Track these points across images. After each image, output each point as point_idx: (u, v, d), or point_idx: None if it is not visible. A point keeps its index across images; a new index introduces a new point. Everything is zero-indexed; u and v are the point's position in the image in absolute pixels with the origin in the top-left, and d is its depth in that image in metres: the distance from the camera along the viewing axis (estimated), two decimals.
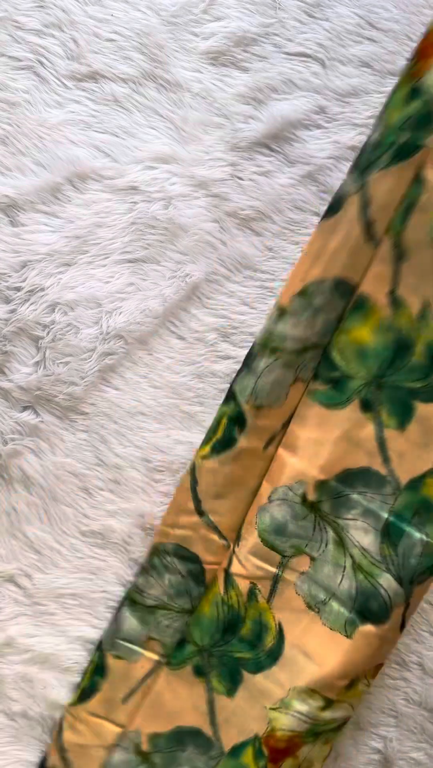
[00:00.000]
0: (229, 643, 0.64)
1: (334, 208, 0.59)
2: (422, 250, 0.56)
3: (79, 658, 0.68)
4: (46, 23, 0.67)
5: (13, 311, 0.66)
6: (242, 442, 0.62)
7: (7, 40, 0.67)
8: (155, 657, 0.66)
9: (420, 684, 0.69)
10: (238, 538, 0.63)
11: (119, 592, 0.68)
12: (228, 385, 0.67)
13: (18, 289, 0.66)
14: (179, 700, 0.64)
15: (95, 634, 0.68)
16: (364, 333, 0.58)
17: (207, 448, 0.64)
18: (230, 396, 0.63)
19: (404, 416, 0.58)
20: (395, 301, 0.57)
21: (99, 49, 0.67)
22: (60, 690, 0.67)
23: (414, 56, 0.57)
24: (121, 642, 0.66)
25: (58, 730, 0.66)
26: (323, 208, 0.69)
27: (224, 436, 0.62)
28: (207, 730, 0.64)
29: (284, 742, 0.61)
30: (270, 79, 0.68)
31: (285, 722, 0.61)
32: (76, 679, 0.68)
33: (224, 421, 0.63)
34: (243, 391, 0.61)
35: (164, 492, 0.68)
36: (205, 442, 0.64)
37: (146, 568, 0.66)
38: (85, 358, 0.66)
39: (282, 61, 0.69)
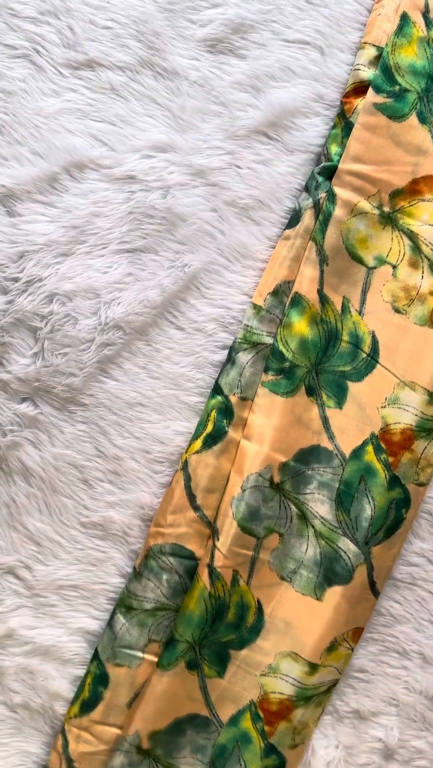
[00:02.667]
0: (217, 631, 0.66)
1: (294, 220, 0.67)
2: (338, 255, 0.65)
3: (80, 649, 0.68)
4: (41, 11, 0.66)
5: (10, 302, 0.66)
6: (231, 433, 0.66)
7: (2, 28, 0.66)
8: (156, 659, 0.66)
9: (421, 673, 0.70)
10: (215, 532, 0.65)
11: (119, 583, 0.68)
12: (240, 331, 0.67)
13: (16, 279, 0.66)
14: (175, 696, 0.65)
15: (96, 626, 0.68)
16: (303, 326, 0.66)
17: (198, 443, 0.66)
18: (217, 390, 0.67)
19: (340, 396, 0.67)
20: (323, 298, 0.66)
21: (95, 37, 0.67)
22: (61, 681, 0.67)
23: (343, 97, 0.67)
24: (122, 650, 0.66)
25: (63, 743, 0.67)
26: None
27: (214, 429, 0.66)
28: (204, 712, 0.66)
29: (276, 704, 0.66)
30: (268, 67, 0.68)
31: (276, 686, 0.66)
32: (77, 670, 0.68)
33: (214, 414, 0.67)
34: (229, 385, 0.67)
35: (164, 483, 0.68)
36: (195, 437, 0.67)
37: (140, 573, 0.66)
38: (84, 349, 0.66)
39: (280, 48, 0.68)
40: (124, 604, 0.67)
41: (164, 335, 0.68)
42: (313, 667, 0.66)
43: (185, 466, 0.66)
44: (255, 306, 0.67)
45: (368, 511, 0.65)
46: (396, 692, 0.69)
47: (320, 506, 0.66)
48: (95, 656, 0.67)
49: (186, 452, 0.66)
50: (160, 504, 0.67)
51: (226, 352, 0.68)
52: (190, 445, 0.66)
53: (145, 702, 0.65)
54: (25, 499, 0.67)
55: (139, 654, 0.66)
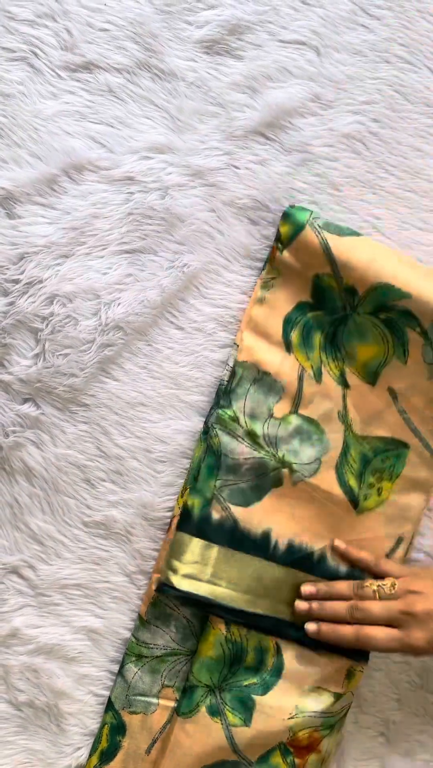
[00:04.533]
0: (236, 674, 0.66)
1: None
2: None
3: (84, 648, 0.68)
4: (38, 13, 0.67)
5: (11, 304, 0.66)
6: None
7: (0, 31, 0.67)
8: (171, 704, 0.67)
9: (422, 666, 0.70)
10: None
11: (122, 582, 0.68)
12: (226, 373, 0.67)
13: (16, 281, 0.66)
14: (199, 744, 0.65)
15: (99, 624, 0.68)
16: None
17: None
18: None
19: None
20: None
21: (93, 39, 0.67)
22: (65, 680, 0.68)
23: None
24: (136, 697, 0.67)
25: None
26: (319, 197, 0.69)
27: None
28: (232, 757, 0.65)
29: (306, 740, 0.65)
30: (265, 67, 0.68)
31: (304, 724, 0.65)
32: (81, 668, 0.68)
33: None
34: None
35: (166, 483, 0.68)
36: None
37: (147, 620, 0.67)
38: (85, 350, 0.66)
39: (277, 48, 0.68)
40: (133, 652, 0.67)
41: (164, 335, 0.68)
42: (337, 697, 0.66)
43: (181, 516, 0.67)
44: (236, 345, 0.68)
45: None
46: (398, 686, 0.70)
47: None
48: (109, 706, 0.67)
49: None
50: (161, 549, 0.68)
51: (225, 351, 0.68)
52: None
53: (171, 751, 0.65)
54: (28, 499, 0.67)
55: (154, 700, 0.67)
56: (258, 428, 0.67)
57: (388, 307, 0.65)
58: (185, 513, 0.66)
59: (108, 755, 0.67)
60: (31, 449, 0.67)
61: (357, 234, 0.66)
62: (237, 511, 0.66)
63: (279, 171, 0.68)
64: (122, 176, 0.67)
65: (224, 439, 0.66)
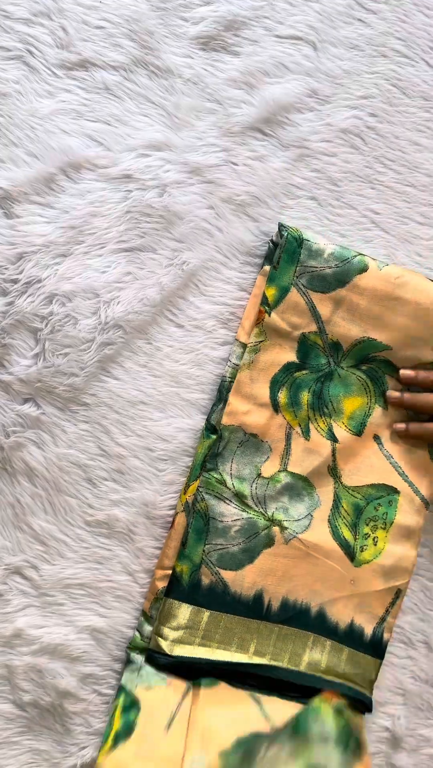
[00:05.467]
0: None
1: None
2: None
3: (88, 647, 0.67)
4: (34, 12, 0.66)
5: (10, 304, 0.66)
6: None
7: None
8: (184, 682, 0.67)
9: (426, 662, 0.70)
10: None
11: (125, 580, 0.68)
12: (229, 369, 0.67)
13: (15, 281, 0.66)
14: (226, 714, 0.64)
15: (103, 623, 0.68)
16: None
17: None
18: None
19: None
20: None
21: (88, 37, 0.67)
22: (69, 679, 0.67)
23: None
24: (147, 674, 0.66)
25: None
26: (317, 193, 0.69)
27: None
28: (265, 726, 0.65)
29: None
30: (261, 63, 0.68)
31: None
32: (86, 668, 0.67)
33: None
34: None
35: (167, 481, 0.68)
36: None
37: (151, 616, 0.67)
38: (85, 349, 0.66)
39: (273, 44, 0.68)
40: (137, 647, 0.67)
41: (164, 333, 0.68)
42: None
43: (186, 507, 0.67)
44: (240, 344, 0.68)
45: None
46: (402, 682, 0.70)
47: None
48: (120, 691, 0.67)
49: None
50: (164, 545, 0.67)
51: (225, 348, 0.68)
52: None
53: (194, 723, 0.64)
54: (30, 500, 0.67)
55: (165, 676, 0.67)
56: (246, 489, 0.67)
57: (369, 359, 0.67)
58: (174, 579, 0.66)
59: (122, 735, 0.65)
60: (32, 449, 0.67)
61: (346, 252, 0.66)
62: (227, 576, 0.66)
63: (277, 167, 0.68)
64: (120, 174, 0.67)
65: (211, 502, 0.66)
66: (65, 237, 0.66)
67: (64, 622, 0.67)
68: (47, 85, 0.66)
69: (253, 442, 0.67)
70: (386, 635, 0.68)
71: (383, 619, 0.68)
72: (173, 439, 0.68)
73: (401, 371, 0.67)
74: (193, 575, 0.66)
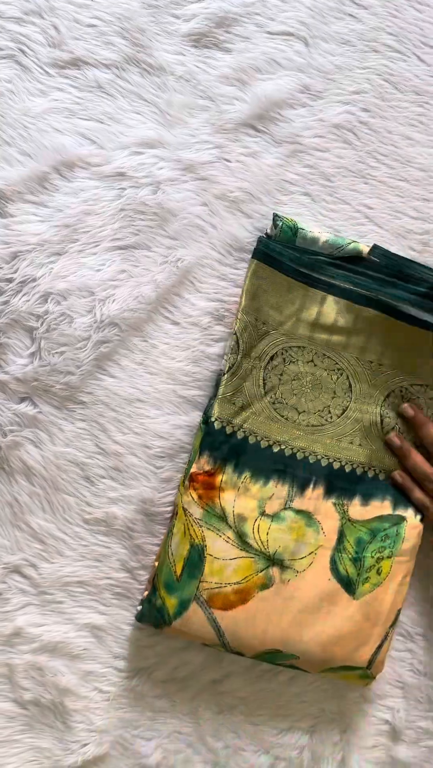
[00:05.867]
0: None
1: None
2: None
3: (89, 645, 0.67)
4: (26, 10, 0.66)
5: (6, 303, 0.66)
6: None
7: None
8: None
9: (425, 655, 0.70)
10: None
11: (124, 578, 0.68)
12: (225, 364, 0.67)
13: (10, 280, 0.66)
14: None
15: (103, 621, 0.67)
16: None
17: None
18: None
19: None
20: None
21: (80, 35, 0.67)
22: (70, 677, 0.67)
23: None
24: None
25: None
26: (311, 188, 0.69)
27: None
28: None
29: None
30: (253, 60, 0.68)
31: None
32: (86, 665, 0.67)
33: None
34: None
35: (165, 478, 0.68)
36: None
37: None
38: (81, 347, 0.66)
39: (265, 40, 0.68)
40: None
41: (160, 330, 0.68)
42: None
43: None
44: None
45: None
46: (402, 674, 0.70)
47: None
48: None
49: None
50: (162, 544, 0.67)
51: (221, 345, 0.68)
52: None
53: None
54: (28, 498, 0.67)
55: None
56: (248, 528, 0.66)
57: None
58: (156, 611, 0.65)
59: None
60: (29, 448, 0.66)
61: (340, 240, 0.66)
62: (218, 615, 0.65)
63: (270, 163, 0.68)
64: (113, 172, 0.66)
65: (210, 537, 0.65)
66: (59, 235, 0.66)
67: (64, 620, 0.67)
68: (39, 83, 0.66)
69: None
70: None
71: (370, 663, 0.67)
72: (170, 436, 0.68)
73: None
74: (180, 608, 0.65)
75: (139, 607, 0.67)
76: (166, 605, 0.64)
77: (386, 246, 0.69)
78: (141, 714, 0.68)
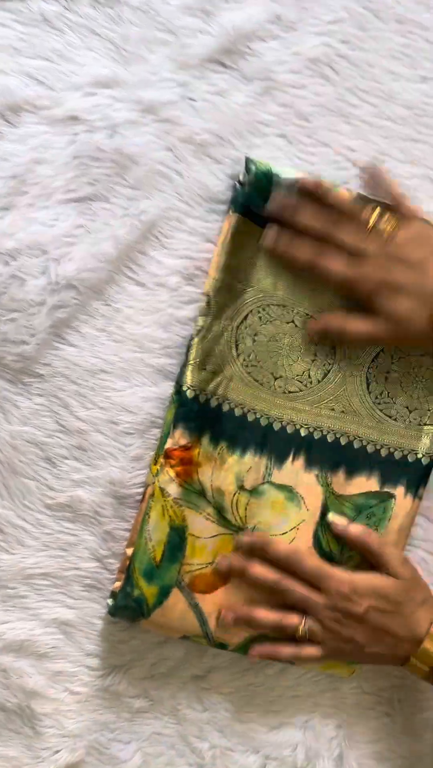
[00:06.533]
0: None
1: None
2: None
3: (57, 642, 0.64)
4: None
5: None
6: None
7: None
8: None
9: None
10: None
11: (94, 567, 0.64)
12: (196, 328, 0.62)
13: None
14: None
15: (72, 615, 0.64)
16: None
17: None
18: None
19: None
20: None
21: None
22: (38, 678, 0.64)
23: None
24: None
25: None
26: (286, 129, 0.63)
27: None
28: None
29: None
30: None
31: None
32: (55, 665, 0.64)
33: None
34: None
35: (135, 456, 0.63)
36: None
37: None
38: (34, 313, 0.60)
39: None
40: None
41: (123, 293, 0.62)
42: None
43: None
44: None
45: None
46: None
47: None
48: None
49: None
50: (134, 522, 0.63)
51: (192, 307, 0.63)
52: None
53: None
54: None
55: None
56: (226, 503, 0.62)
57: None
58: (134, 604, 0.61)
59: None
60: None
61: None
62: (200, 599, 0.62)
63: (241, 102, 0.62)
64: (65, 116, 0.60)
65: (189, 515, 0.61)
66: (6, 188, 0.60)
67: (29, 616, 0.64)
68: None
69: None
70: None
71: None
72: (139, 410, 0.63)
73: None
74: (160, 598, 0.61)
75: (111, 600, 0.63)
76: (145, 594, 0.61)
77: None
78: (117, 715, 0.66)
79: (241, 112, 0.62)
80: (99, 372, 0.62)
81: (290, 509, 0.63)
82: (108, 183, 0.61)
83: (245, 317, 0.62)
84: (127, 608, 0.61)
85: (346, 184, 0.63)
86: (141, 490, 0.63)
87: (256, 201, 0.60)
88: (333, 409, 0.63)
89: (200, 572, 0.62)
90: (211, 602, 0.62)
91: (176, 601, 0.61)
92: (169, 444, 0.61)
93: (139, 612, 0.61)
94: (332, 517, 0.63)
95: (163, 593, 0.61)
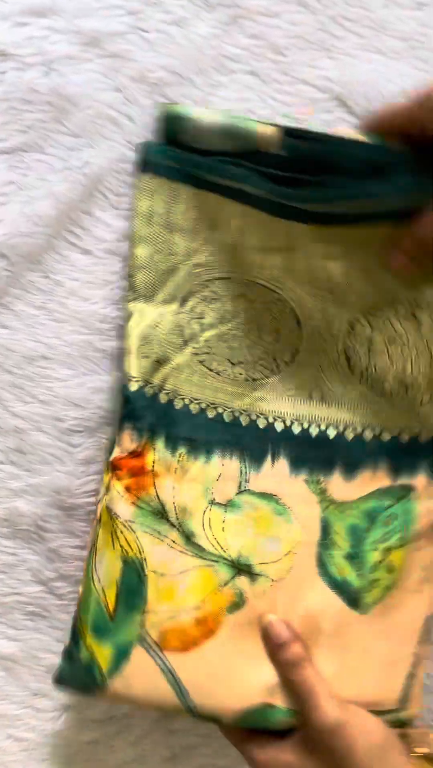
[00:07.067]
0: None
1: None
2: None
3: None
4: None
5: None
6: None
7: None
8: None
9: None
10: None
11: (38, 592, 0.54)
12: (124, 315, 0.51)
13: None
14: None
15: (14, 649, 0.54)
16: None
17: None
18: None
19: None
20: None
21: None
22: None
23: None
24: None
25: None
26: (258, 65, 0.53)
27: None
28: None
29: None
30: None
31: None
32: None
33: None
34: None
35: (84, 459, 0.53)
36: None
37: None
38: None
39: None
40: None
41: (65, 262, 0.52)
42: None
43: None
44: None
45: None
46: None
47: None
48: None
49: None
50: (88, 547, 0.51)
51: None
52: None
53: None
54: None
55: None
56: (195, 525, 0.49)
57: None
58: (85, 667, 0.47)
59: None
60: None
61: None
62: (174, 661, 0.47)
63: (203, 33, 0.52)
64: None
65: (147, 544, 0.48)
66: None
67: None
68: None
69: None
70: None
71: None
72: (88, 403, 0.53)
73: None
74: (118, 661, 0.47)
75: (61, 662, 0.50)
76: (96, 659, 0.47)
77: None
78: (70, 765, 0.56)
79: (203, 45, 0.52)
80: (38, 358, 0.52)
81: (279, 526, 0.49)
82: (43, 130, 0.51)
83: (184, 300, 0.49)
84: (76, 677, 0.48)
85: (331, 126, 0.53)
86: (92, 499, 0.53)
87: (182, 156, 0.48)
88: (311, 396, 0.50)
89: (173, 623, 0.48)
90: (191, 663, 0.47)
91: (140, 662, 0.47)
92: (116, 452, 0.49)
93: (91, 681, 0.48)
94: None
95: (121, 654, 0.47)
